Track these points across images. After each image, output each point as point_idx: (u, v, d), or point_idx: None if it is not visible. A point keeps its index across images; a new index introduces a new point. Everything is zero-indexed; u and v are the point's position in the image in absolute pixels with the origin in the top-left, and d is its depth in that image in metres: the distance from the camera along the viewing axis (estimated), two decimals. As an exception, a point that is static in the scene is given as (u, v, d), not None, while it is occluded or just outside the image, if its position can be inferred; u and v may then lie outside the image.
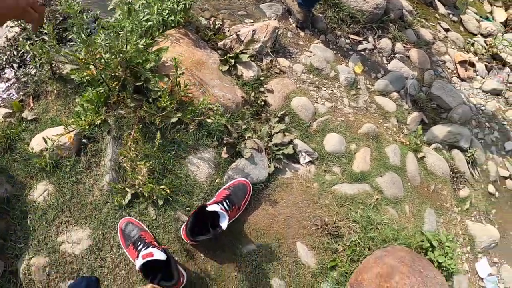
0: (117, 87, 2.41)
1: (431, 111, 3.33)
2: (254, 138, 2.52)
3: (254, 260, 2.30)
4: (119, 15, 2.56)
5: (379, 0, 3.36)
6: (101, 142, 2.44)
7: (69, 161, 2.32)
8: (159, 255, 1.99)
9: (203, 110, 2.44)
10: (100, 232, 2.28)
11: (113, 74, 2.34)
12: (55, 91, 2.52)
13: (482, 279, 3.02)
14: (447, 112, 3.38)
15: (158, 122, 2.34)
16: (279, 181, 2.51)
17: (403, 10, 3.66)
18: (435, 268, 2.43)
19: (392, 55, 3.43)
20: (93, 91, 2.38)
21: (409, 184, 2.87)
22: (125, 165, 2.31)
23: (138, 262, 1.91)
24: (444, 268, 2.49)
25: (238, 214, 2.34)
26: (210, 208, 2.08)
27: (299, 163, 2.62)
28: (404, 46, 3.49)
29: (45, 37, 2.60)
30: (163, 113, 2.32)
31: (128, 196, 2.34)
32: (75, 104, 2.48)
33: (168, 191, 2.23)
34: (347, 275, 2.31)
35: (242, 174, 2.41)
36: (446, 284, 2.37)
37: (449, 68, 3.72)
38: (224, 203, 2.24)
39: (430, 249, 2.53)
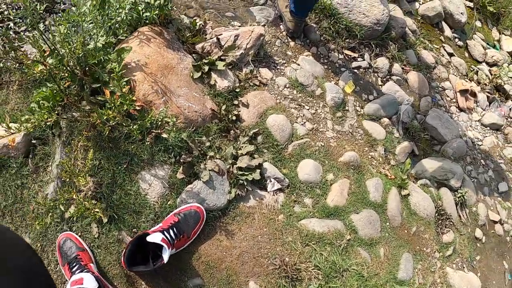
0: (73, 87, 2.01)
1: (423, 142, 2.90)
2: (217, 158, 2.12)
3: (199, 298, 1.91)
4: (90, 5, 2.14)
5: (380, 16, 2.91)
6: (51, 146, 2.07)
7: (16, 162, 2.03)
8: (90, 284, 1.61)
9: (160, 122, 2.03)
10: (39, 245, 1.97)
11: (71, 72, 1.94)
12: (17, 82, 2.15)
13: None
14: (441, 145, 2.95)
15: (107, 132, 1.94)
16: (239, 209, 2.10)
17: (406, 29, 3.22)
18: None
19: (388, 77, 2.99)
20: (49, 89, 1.99)
21: (387, 224, 2.45)
22: (67, 177, 1.93)
23: None
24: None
25: (187, 244, 1.97)
26: (151, 238, 1.74)
27: (266, 190, 2.21)
28: (402, 68, 3.05)
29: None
30: (112, 124, 1.91)
31: (72, 209, 1.96)
32: (32, 100, 2.10)
33: (102, 215, 1.84)
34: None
35: (197, 199, 2.01)
36: None
37: (448, 96, 3.27)
38: (171, 231, 1.87)
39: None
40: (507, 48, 4.01)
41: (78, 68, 1.97)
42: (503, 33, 4.19)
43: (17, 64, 2.14)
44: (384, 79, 2.97)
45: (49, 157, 2.08)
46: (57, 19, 2.00)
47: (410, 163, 2.64)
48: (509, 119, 3.53)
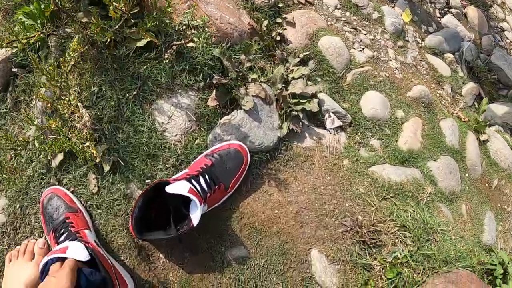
0: None
1: (488, 85, 2.14)
2: (261, 82, 1.35)
3: (243, 272, 1.18)
4: None
5: None
6: (35, 73, 1.31)
7: (-9, 98, 1.24)
8: (76, 253, 0.95)
9: (183, 30, 1.27)
10: (18, 206, 1.27)
11: None
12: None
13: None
14: (508, 89, 2.19)
15: (109, 41, 1.19)
16: (293, 151, 1.34)
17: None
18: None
19: (446, 9, 2.21)
20: (36, 2, 1.23)
21: (467, 175, 1.71)
22: (51, 107, 1.19)
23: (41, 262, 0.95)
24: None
25: (224, 198, 1.22)
26: (172, 188, 1.02)
27: (324, 127, 1.45)
28: (461, 2, 2.27)
29: None
30: (116, 26, 1.14)
31: (60, 155, 1.22)
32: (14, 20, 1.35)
33: (102, 162, 1.11)
34: (388, 313, 1.18)
35: (237, 135, 1.25)
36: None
37: (507, 38, 2.49)
38: (201, 180, 1.13)
39: (501, 278, 1.39)
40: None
41: None
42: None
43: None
44: (442, 11, 2.18)
45: (33, 88, 1.32)
46: None
47: (487, 102, 1.88)
48: None
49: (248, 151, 1.23)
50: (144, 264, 1.18)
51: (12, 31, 1.22)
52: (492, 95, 2.14)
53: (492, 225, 1.68)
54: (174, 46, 1.29)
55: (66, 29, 1.30)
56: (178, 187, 1.01)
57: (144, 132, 1.23)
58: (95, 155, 1.09)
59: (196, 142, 1.27)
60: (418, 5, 2.09)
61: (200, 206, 1.01)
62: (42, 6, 1.24)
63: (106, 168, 1.19)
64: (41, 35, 1.25)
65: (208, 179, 1.14)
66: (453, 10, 2.21)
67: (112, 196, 1.20)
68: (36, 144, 1.15)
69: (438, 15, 2.15)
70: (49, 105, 1.16)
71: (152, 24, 1.17)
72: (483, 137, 1.81)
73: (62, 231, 1.09)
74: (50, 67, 1.06)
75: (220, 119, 1.29)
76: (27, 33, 1.26)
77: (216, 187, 1.15)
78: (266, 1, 1.57)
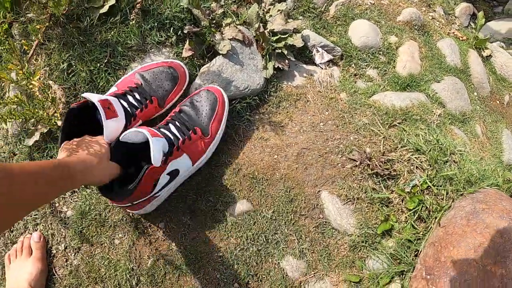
0: None
1: (482, 4, 1.98)
2: (237, 25, 1.20)
3: (250, 228, 1.05)
4: None
5: None
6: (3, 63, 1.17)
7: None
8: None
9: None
10: None
11: None
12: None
13: None
14: (503, 5, 2.02)
15: (69, 13, 1.06)
16: (284, 91, 1.20)
17: None
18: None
19: None
20: None
21: (475, 94, 1.56)
22: (22, 87, 1.07)
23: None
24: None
25: (207, 149, 1.05)
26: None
27: (314, 64, 1.30)
28: None
29: None
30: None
31: (36, 136, 1.10)
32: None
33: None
34: (413, 244, 1.04)
35: (219, 82, 1.11)
36: None
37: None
38: (171, 125, 1.00)
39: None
40: None
41: None
42: None
43: None
44: None
45: (3, 82, 1.19)
46: None
47: (483, 16, 1.71)
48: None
49: (223, 93, 1.08)
50: (143, 238, 1.05)
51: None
52: (488, 13, 1.97)
53: (511, 143, 1.53)
54: (138, 5, 1.15)
55: (27, 14, 1.17)
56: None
57: (120, 98, 1.10)
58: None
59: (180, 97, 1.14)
60: None
61: (161, 141, 0.86)
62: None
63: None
64: (4, 25, 1.12)
65: (178, 124, 1.00)
66: None
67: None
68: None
69: None
70: (17, 85, 1.04)
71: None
72: (485, 53, 1.65)
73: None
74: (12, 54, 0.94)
75: (200, 68, 1.14)
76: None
77: (191, 133, 1.00)
78: None
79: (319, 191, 1.10)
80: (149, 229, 1.07)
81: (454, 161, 1.17)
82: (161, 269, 1.03)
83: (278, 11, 1.25)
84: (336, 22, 1.41)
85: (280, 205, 1.07)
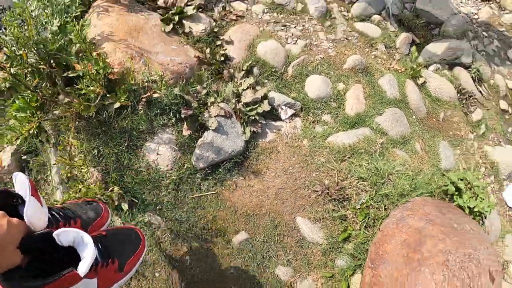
0: (44, 85, 1.68)
1: (421, 29, 2.57)
2: (219, 102, 1.80)
3: (250, 250, 1.64)
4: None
5: None
6: (43, 154, 1.75)
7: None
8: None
9: (146, 84, 1.71)
10: None
11: (35, 68, 1.60)
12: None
13: (512, 208, 2.37)
14: (439, 27, 2.62)
15: (93, 113, 1.62)
16: (260, 147, 1.80)
17: None
18: (467, 217, 1.76)
19: (364, -25, 2.63)
20: (21, 97, 1.66)
21: (414, 117, 2.16)
22: (67, 173, 1.64)
23: None
24: (477, 213, 1.81)
25: (116, 283, 1.13)
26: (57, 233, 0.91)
27: (280, 119, 1.90)
28: (375, -38, 2.68)
29: None
30: (98, 102, 1.58)
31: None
32: (7, 116, 1.79)
33: (121, 202, 1.54)
34: (365, 245, 1.64)
35: (213, 150, 1.70)
36: (482, 232, 1.71)
37: (430, -21, 2.91)
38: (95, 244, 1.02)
39: (457, 194, 1.85)
40: None
41: (42, 62, 1.63)
42: None
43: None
44: (361, -22, 2.62)
45: (46, 166, 1.76)
46: (4, 19, 1.66)
47: (416, 50, 2.32)
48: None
49: (144, 236, 1.23)
50: (176, 269, 1.64)
51: (9, 127, 1.67)
52: (426, 37, 2.57)
53: (447, 152, 2.14)
54: (143, 99, 1.74)
55: (54, 112, 1.75)
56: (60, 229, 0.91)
57: (143, 171, 1.69)
58: (113, 199, 1.54)
59: (185, 166, 1.73)
60: (338, -19, 2.51)
61: (92, 249, 0.89)
62: (28, 100, 1.68)
63: (125, 207, 1.64)
64: (36, 123, 1.70)
65: (101, 246, 1.08)
66: (371, -26, 2.63)
67: (136, 225, 1.66)
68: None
69: (358, -17, 2.57)
70: (65, 174, 1.62)
71: (124, 96, 1.62)
72: (420, 81, 2.25)
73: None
74: (59, 148, 1.52)
75: (196, 142, 1.74)
76: (21, 125, 1.71)
77: (110, 260, 1.07)
78: (203, 31, 2.01)
79: (294, 217, 1.70)
80: (179, 261, 1.66)
81: (391, 180, 1.78)
82: (191, 289, 1.62)
83: (248, 84, 1.85)
84: (294, 80, 2.01)
85: (268, 231, 1.67)
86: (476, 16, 2.91)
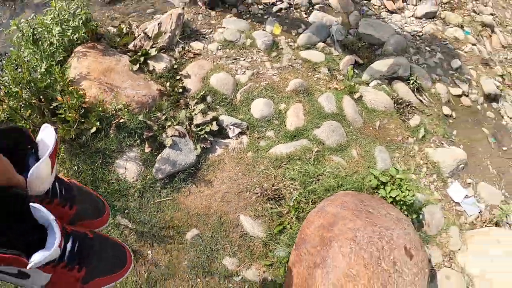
0: (34, 116, 2.31)
1: (364, 51, 3.12)
2: (175, 125, 2.37)
3: (200, 244, 2.16)
4: (23, 44, 2.46)
5: (282, -42, 3.17)
6: None
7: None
8: None
9: (114, 112, 2.31)
10: None
11: (28, 102, 2.24)
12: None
13: (458, 203, 2.80)
14: (381, 47, 3.17)
15: (73, 136, 2.23)
16: (210, 160, 2.35)
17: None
18: (389, 205, 2.24)
19: (311, 8, 3.24)
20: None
21: (351, 127, 2.68)
22: None
23: None
24: (401, 202, 2.28)
25: None
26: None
27: (229, 137, 2.45)
28: (321, -5, 3.29)
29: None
30: (75, 126, 2.19)
31: None
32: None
33: None
34: (296, 235, 2.14)
35: (169, 163, 2.26)
36: (403, 217, 2.18)
37: (375, 5, 3.50)
38: (70, 242, 1.01)
39: (382, 186, 2.33)
40: None
41: (33, 98, 2.26)
42: None
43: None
44: (308, 11, 3.21)
45: None
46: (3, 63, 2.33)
47: (352, 69, 2.87)
48: (443, 5, 3.73)
49: (131, 253, 1.18)
50: (140, 262, 2.17)
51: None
52: (370, 57, 3.11)
53: (384, 155, 2.63)
54: (113, 124, 2.34)
55: None
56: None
57: (114, 183, 2.26)
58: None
59: (147, 177, 2.29)
60: (286, 16, 3.12)
61: (59, 237, 0.87)
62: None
63: (99, 215, 2.21)
64: None
65: (74, 251, 1.00)
66: (316, 6, 3.23)
67: (107, 227, 2.21)
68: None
69: (304, 15, 3.17)
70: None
71: (96, 119, 2.22)
72: (356, 96, 2.78)
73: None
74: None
75: (156, 158, 2.30)
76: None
77: (77, 268, 1.01)
78: (164, 68, 2.62)
79: (238, 215, 2.22)
80: (142, 255, 2.19)
81: (319, 180, 2.28)
82: (154, 279, 2.14)
83: (199, 110, 2.43)
84: (242, 104, 2.57)
85: (216, 228, 2.19)
86: (420, 34, 3.44)
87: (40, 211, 0.86)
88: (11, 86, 2.20)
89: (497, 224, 2.84)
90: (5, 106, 2.18)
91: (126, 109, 2.32)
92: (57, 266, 0.94)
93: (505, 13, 4.29)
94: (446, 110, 3.08)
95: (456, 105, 3.18)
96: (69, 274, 0.98)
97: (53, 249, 0.83)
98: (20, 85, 2.19)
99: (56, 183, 1.05)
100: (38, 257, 0.83)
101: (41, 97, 2.30)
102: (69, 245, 0.97)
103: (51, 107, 2.29)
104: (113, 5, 3.12)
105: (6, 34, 2.91)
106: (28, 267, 0.82)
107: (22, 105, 2.27)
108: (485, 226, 2.80)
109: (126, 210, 2.20)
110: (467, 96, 3.25)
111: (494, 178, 3.05)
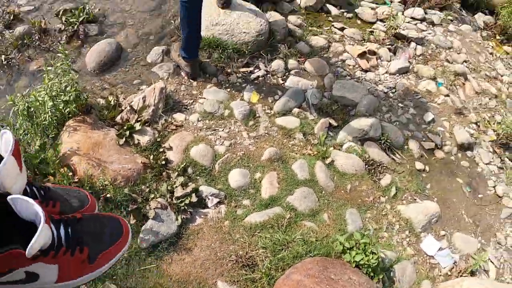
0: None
1: (339, 113, 3.57)
2: (157, 197, 2.81)
3: (181, 310, 2.56)
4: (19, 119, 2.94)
5: (259, 27, 3.66)
6: None
7: None
8: None
9: (101, 187, 2.76)
10: None
11: None
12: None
13: (432, 257, 3.18)
14: (355, 108, 3.61)
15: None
16: (190, 229, 2.78)
17: (290, 26, 3.96)
18: (352, 269, 2.63)
19: (287, 73, 3.71)
20: None
21: (323, 192, 3.10)
22: None
23: None
24: (365, 265, 2.67)
25: (81, 276, 1.13)
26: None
27: (208, 207, 2.88)
28: (298, 61, 3.77)
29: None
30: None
31: None
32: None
33: None
34: (269, 301, 2.55)
35: (152, 234, 2.69)
36: (365, 281, 2.57)
37: (349, 65, 3.97)
38: (62, 227, 1.09)
39: (348, 251, 2.73)
40: (398, -2, 4.73)
41: (28, 172, 2.72)
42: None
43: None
44: (284, 77, 3.69)
45: None
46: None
47: (324, 134, 3.31)
48: (416, 58, 4.19)
49: (128, 225, 1.32)
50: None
51: None
52: (345, 119, 3.56)
53: (354, 217, 3.03)
54: (101, 197, 2.79)
55: None
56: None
57: (103, 255, 2.69)
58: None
59: (133, 247, 2.72)
60: (263, 83, 3.59)
61: (46, 228, 0.90)
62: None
63: (90, 284, 2.63)
64: None
65: (70, 234, 1.06)
66: (292, 72, 3.70)
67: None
68: None
69: (281, 81, 3.64)
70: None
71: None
72: (328, 161, 3.21)
73: None
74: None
75: (141, 228, 2.73)
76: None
77: (78, 249, 1.07)
78: (148, 141, 3.08)
79: (215, 281, 2.63)
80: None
81: (289, 247, 2.70)
82: None
83: (179, 182, 2.87)
84: (220, 175, 3.01)
85: (196, 294, 2.60)
86: (393, 90, 3.89)
87: (19, 198, 0.91)
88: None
89: (472, 273, 3.21)
90: None
91: (111, 186, 2.76)
92: (58, 254, 1.00)
93: (478, 57, 4.75)
94: (419, 165, 3.49)
95: (429, 159, 3.60)
96: (74, 258, 1.05)
97: (41, 224, 0.87)
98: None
99: (33, 188, 1.16)
100: (32, 242, 0.87)
101: (36, 170, 2.76)
102: (62, 231, 1.04)
103: (44, 181, 2.75)
104: (102, 76, 3.61)
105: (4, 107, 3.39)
106: (27, 254, 0.86)
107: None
108: (460, 275, 3.18)
109: (114, 276, 2.62)
110: (440, 148, 3.67)
111: (469, 227, 3.43)
